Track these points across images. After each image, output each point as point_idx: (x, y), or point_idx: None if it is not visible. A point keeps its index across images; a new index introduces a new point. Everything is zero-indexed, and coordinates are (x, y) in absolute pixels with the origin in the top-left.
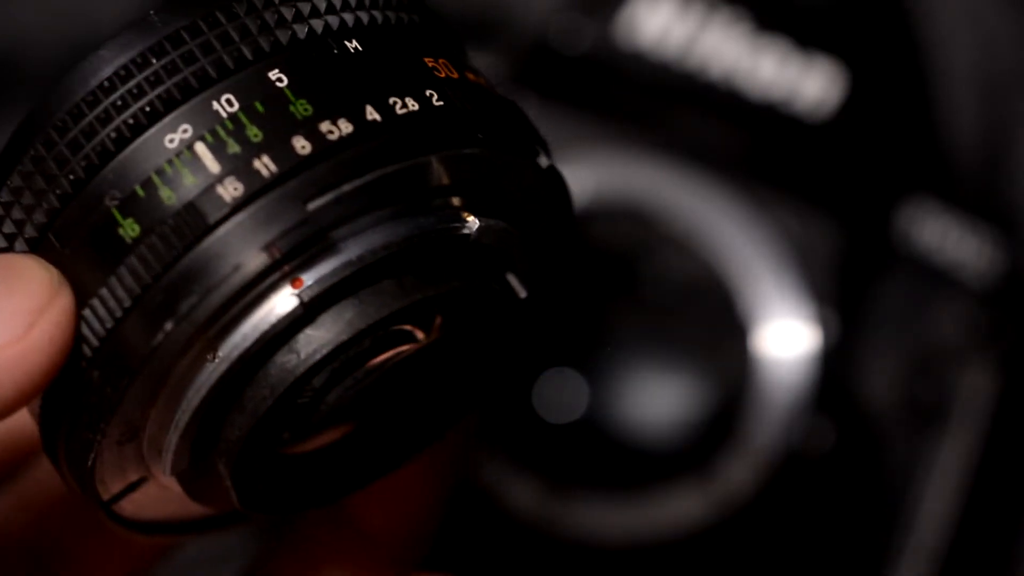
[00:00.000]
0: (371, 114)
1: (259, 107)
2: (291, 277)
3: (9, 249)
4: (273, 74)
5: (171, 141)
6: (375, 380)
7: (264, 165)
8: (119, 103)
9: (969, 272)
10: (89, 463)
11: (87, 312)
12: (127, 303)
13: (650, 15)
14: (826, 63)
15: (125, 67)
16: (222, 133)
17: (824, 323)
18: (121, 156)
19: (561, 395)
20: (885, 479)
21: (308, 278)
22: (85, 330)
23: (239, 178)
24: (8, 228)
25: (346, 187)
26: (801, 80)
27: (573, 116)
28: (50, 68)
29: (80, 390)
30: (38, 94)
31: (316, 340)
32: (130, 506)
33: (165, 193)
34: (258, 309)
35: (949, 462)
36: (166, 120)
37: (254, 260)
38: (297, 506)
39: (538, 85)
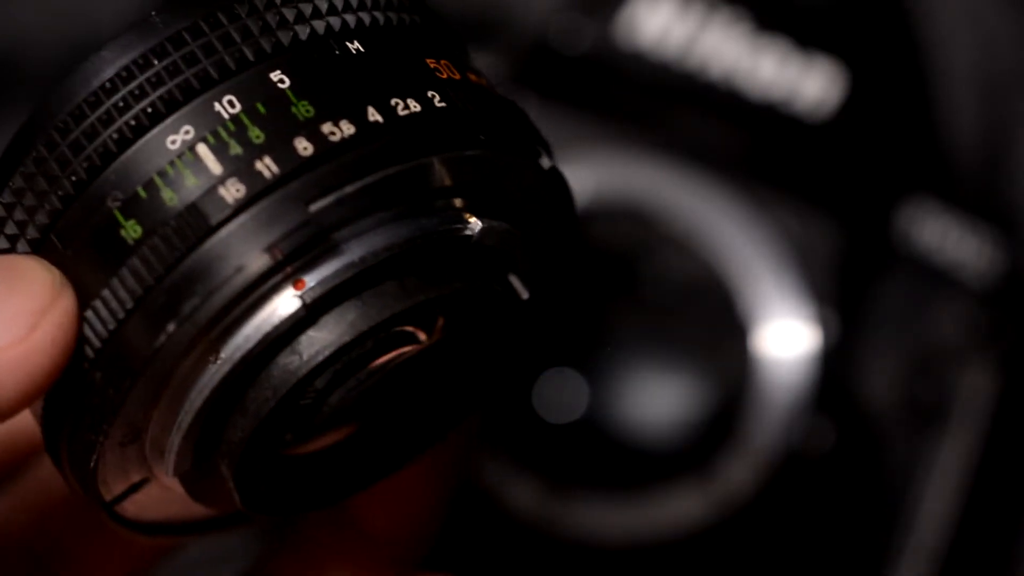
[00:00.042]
0: (373, 115)
1: (261, 108)
2: (293, 279)
3: (11, 250)
4: (275, 75)
5: (173, 142)
6: (377, 381)
7: (266, 166)
8: (121, 104)
9: (969, 272)
10: (91, 464)
11: (89, 313)
12: (129, 304)
13: (650, 15)
14: (826, 63)
15: (127, 68)
16: (224, 134)
17: (824, 323)
18: (123, 157)
19: (561, 395)
20: (885, 479)
21: (310, 279)
22: (87, 331)
23: (241, 179)
24: (10, 229)
25: (348, 188)
26: (801, 80)
27: (573, 116)
28: (50, 68)
29: (82, 391)
30: (38, 94)
31: (318, 341)
32: (132, 507)
33: (167, 194)
34: (260, 310)
35: (949, 462)
36: (168, 121)
37: (256, 261)
38: (299, 507)
39: (538, 85)
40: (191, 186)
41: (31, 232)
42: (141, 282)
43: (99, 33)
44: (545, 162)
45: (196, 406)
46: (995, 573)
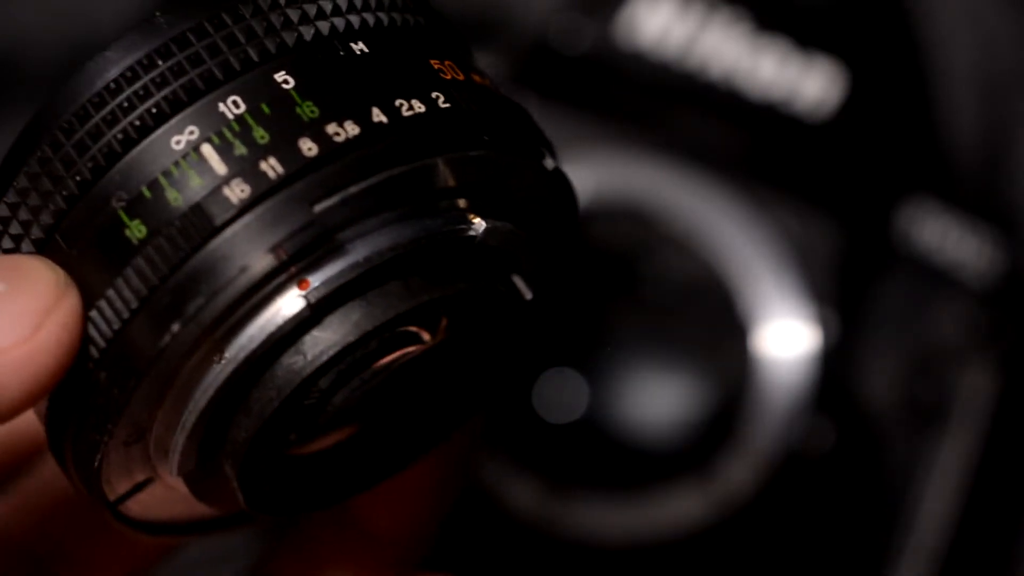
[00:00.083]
0: (377, 116)
1: (265, 109)
2: (298, 279)
3: (15, 250)
4: (279, 76)
5: (177, 143)
6: (381, 382)
7: (271, 167)
8: (125, 104)
9: (969, 272)
10: (96, 464)
11: (94, 313)
12: (134, 304)
13: (650, 15)
14: (826, 63)
15: (131, 68)
16: (228, 135)
17: (824, 323)
18: (128, 158)
19: (561, 395)
20: (885, 479)
21: (315, 280)
22: (92, 331)
23: (246, 180)
24: (14, 229)
25: (353, 189)
26: (801, 80)
27: (573, 116)
28: (50, 68)
29: (87, 391)
30: (38, 94)
31: (323, 342)
32: (136, 507)
33: (172, 195)
34: (265, 311)
35: (949, 462)
36: (172, 122)
37: (261, 262)
38: (303, 507)
39: (538, 85)
40: (196, 186)
41: (35, 232)
42: (146, 282)
43: (99, 33)
44: (549, 163)
45: (200, 406)
46: (995, 573)
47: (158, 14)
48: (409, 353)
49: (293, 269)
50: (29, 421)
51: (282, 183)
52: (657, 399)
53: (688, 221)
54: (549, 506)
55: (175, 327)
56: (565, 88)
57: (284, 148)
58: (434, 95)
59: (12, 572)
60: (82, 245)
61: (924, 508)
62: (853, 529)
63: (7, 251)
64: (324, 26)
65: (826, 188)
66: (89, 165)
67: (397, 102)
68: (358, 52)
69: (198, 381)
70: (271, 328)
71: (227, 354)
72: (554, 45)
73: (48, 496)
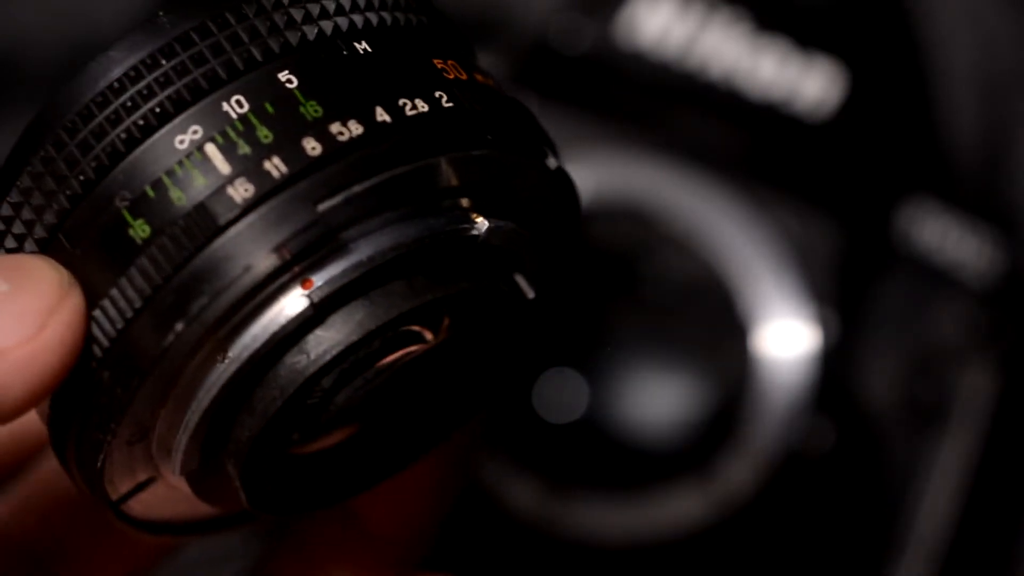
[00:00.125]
0: (381, 115)
1: (269, 108)
2: (301, 278)
3: (19, 249)
4: (283, 75)
5: (181, 142)
6: (383, 381)
7: (275, 166)
8: (129, 104)
9: (969, 272)
10: (99, 463)
11: (97, 313)
12: (138, 304)
13: (650, 15)
14: (826, 63)
15: (135, 68)
16: (232, 134)
17: (824, 323)
18: (131, 157)
19: (561, 395)
20: (885, 479)
21: (318, 279)
22: (95, 330)
23: (250, 179)
24: (18, 228)
25: (356, 188)
26: (801, 80)
27: (573, 116)
28: (50, 68)
29: (90, 390)
30: (38, 94)
31: (326, 341)
32: (138, 506)
33: (175, 194)
34: (268, 310)
35: (949, 462)
36: (176, 121)
37: (264, 261)
38: (305, 506)
39: (538, 85)
40: (200, 186)
41: (39, 231)
42: (150, 281)
43: (99, 33)
44: (551, 162)
45: (203, 405)
46: (995, 573)
47: (161, 13)
48: (411, 352)
49: (297, 268)
50: (29, 420)
51: (286, 182)
52: (657, 399)
53: (688, 221)
54: (549, 506)
55: (179, 326)
56: (565, 88)
57: (288, 147)
58: (437, 94)
59: (12, 572)
60: (86, 244)
61: (924, 508)
62: (853, 529)
63: (10, 251)
64: (327, 25)
65: (826, 188)
66: (93, 164)
67: (400, 101)
68: (361, 51)
69: (201, 380)
70: (274, 327)
71: (231, 353)
72: (554, 45)
73: (49, 495)
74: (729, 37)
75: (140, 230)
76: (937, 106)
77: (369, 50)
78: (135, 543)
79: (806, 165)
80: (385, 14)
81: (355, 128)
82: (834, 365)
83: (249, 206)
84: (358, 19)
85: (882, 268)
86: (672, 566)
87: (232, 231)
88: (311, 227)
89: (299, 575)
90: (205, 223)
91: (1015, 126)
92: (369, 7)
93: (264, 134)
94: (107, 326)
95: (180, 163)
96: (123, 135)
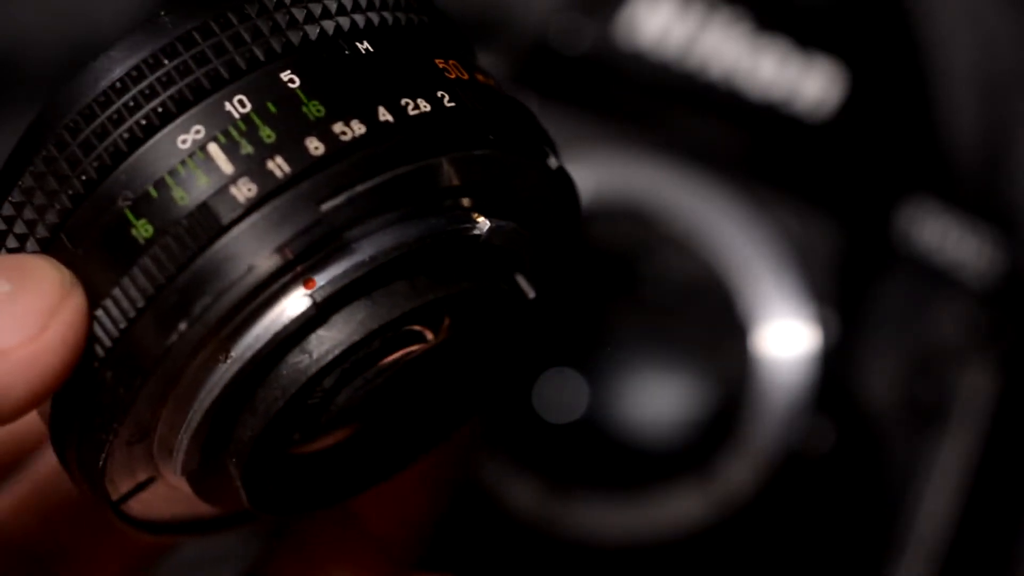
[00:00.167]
0: (384, 115)
1: (272, 108)
2: (304, 278)
3: (21, 249)
4: (285, 75)
5: (184, 142)
6: (384, 381)
7: (278, 166)
8: (131, 103)
9: (969, 272)
10: (100, 463)
11: (100, 312)
12: (141, 303)
13: (650, 15)
14: (826, 63)
15: (137, 68)
16: (235, 134)
17: (824, 323)
18: (134, 157)
19: (561, 395)
20: (885, 479)
21: (321, 279)
22: (98, 330)
23: (253, 179)
24: (19, 228)
25: (359, 188)
26: (801, 80)
27: (573, 116)
28: (50, 68)
29: (92, 390)
30: (38, 94)
31: (328, 341)
32: (138, 506)
33: (178, 194)
34: (271, 310)
35: (949, 462)
36: (178, 121)
37: (267, 261)
38: (305, 506)
39: (538, 85)
40: (202, 185)
41: (41, 231)
42: (152, 281)
43: (99, 33)
44: (552, 162)
45: (206, 405)
46: (995, 573)
47: (162, 13)
48: (412, 352)
49: (299, 268)
50: (27, 419)
51: (289, 182)
52: (657, 399)
53: (688, 221)
54: (549, 506)
55: (182, 326)
56: (565, 88)
57: (291, 147)
58: (439, 94)
59: (11, 571)
60: (88, 244)
61: (924, 508)
62: (853, 529)
63: (12, 250)
64: (329, 25)
65: (826, 188)
66: (95, 164)
67: (403, 101)
68: (363, 51)
69: (204, 380)
70: (277, 327)
71: (233, 353)
72: (554, 45)
73: (48, 495)
74: (729, 37)
75: (143, 230)
76: (937, 106)
77: (371, 50)
78: (134, 543)
79: (806, 165)
80: (386, 14)
81: (358, 128)
82: (834, 365)
83: (252, 206)
84: (359, 19)
85: (882, 268)
86: (672, 566)
87: (235, 231)
88: (314, 227)
89: (298, 575)
90: (208, 223)
91: (1015, 126)
92: (370, 7)
93: (267, 134)
94: (109, 326)
95: (183, 163)
96: (125, 135)
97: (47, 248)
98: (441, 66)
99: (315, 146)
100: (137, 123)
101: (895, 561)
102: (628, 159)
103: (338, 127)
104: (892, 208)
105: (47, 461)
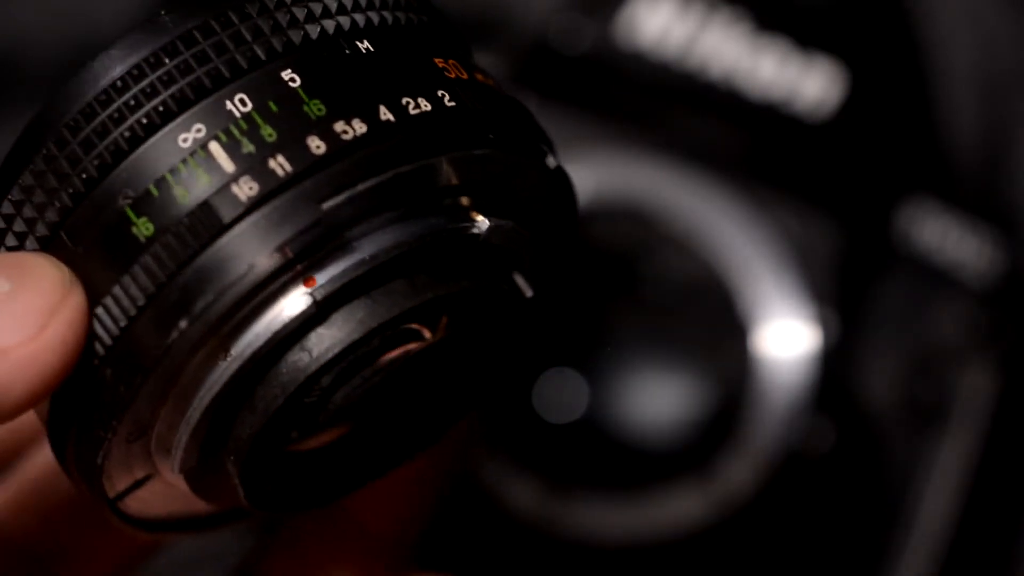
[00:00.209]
0: (385, 114)
1: (273, 107)
2: (304, 276)
3: (20, 247)
4: (286, 74)
5: (185, 140)
6: (381, 379)
7: (280, 165)
8: (132, 102)
9: (969, 272)
10: (99, 461)
11: (100, 310)
12: (141, 302)
13: (650, 15)
14: (826, 63)
15: (137, 67)
16: (236, 133)
17: (824, 323)
18: (134, 155)
19: (561, 395)
20: (885, 479)
21: (321, 277)
22: (98, 328)
23: (254, 177)
24: (19, 227)
25: (360, 187)
26: (801, 80)
27: (573, 116)
28: (50, 68)
29: (92, 388)
30: (38, 94)
31: (328, 339)
32: (135, 503)
33: (179, 192)
34: (271, 308)
35: (949, 462)
36: (179, 119)
37: (268, 260)
38: (302, 503)
39: (538, 85)
40: (204, 184)
41: (40, 229)
42: (153, 279)
43: (99, 33)
44: (551, 161)
45: (205, 403)
46: (995, 573)
47: (163, 12)
48: (410, 350)
49: (299, 267)
50: (22, 416)
51: (291, 181)
52: (657, 399)
53: (688, 221)
54: (549, 506)
55: (183, 324)
56: (565, 88)
57: (292, 146)
58: (440, 93)
59: (6, 569)
60: (88, 243)
61: (924, 508)
62: (853, 529)
63: (11, 249)
64: (330, 25)
65: (826, 188)
66: (95, 163)
67: (404, 100)
68: (363, 51)
69: (203, 378)
70: (277, 326)
71: (233, 351)
72: (554, 45)
73: (43, 492)
74: (729, 37)
75: (143, 228)
76: (937, 106)
77: (371, 49)
78: (129, 540)
79: (806, 165)
80: (386, 13)
81: (359, 127)
82: (834, 365)
83: (254, 204)
84: (360, 18)
85: (882, 268)
86: (672, 566)
87: (236, 229)
88: (315, 226)
89: (293, 572)
90: (209, 221)
91: (1015, 126)
92: (370, 6)
93: (268, 132)
94: (109, 324)
95: (184, 161)
96: (126, 133)
97: (47, 246)
98: (441, 66)
99: (316, 145)
100: (138, 121)
101: (895, 561)
102: (628, 159)
103: (339, 126)
104: (892, 208)
105: (42, 459)
